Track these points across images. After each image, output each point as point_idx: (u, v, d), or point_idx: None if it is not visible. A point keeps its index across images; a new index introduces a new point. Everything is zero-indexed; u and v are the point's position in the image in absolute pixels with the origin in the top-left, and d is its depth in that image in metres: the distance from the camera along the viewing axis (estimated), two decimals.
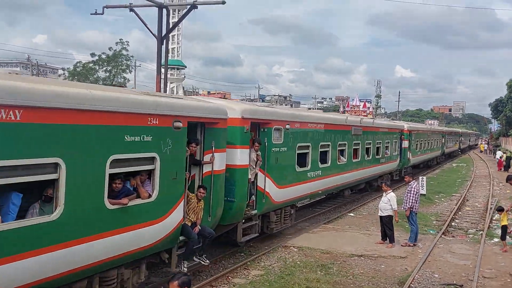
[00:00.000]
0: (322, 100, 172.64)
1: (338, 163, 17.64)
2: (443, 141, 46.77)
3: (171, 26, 19.64)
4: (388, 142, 24.53)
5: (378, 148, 22.80)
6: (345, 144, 18.16)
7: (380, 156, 23.26)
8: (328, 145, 16.50)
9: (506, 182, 15.42)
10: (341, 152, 18.11)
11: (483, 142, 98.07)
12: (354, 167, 19.47)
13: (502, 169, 41.10)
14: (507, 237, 14.00)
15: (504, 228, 13.82)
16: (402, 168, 28.59)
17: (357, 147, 19.85)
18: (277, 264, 11.62)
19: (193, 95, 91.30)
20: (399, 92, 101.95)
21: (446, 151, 50.88)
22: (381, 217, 13.80)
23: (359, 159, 20.08)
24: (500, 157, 43.70)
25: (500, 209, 14.52)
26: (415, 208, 13.79)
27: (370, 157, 21.51)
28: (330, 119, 17.21)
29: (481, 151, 76.50)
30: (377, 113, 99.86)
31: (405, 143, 28.56)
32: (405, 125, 29.91)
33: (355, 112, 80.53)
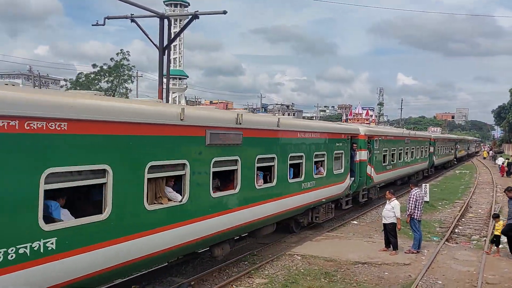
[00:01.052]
0: (325, 109, 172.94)
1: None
2: (431, 150, 38.58)
3: (172, 36, 19.76)
4: (323, 154, 16.49)
5: (298, 166, 14.86)
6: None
7: (303, 178, 14.88)
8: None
9: (504, 192, 14.58)
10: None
11: (486, 149, 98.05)
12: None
13: (505, 174, 41.59)
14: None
15: (497, 237, 13.80)
16: (360, 190, 20.99)
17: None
18: (281, 273, 11.61)
19: (195, 104, 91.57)
20: (402, 100, 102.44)
21: (437, 162, 41.86)
22: (384, 224, 13.81)
23: None
24: (503, 163, 44.58)
25: (496, 216, 14.48)
26: (417, 215, 13.75)
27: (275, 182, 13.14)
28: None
29: (484, 158, 76.38)
30: (379, 120, 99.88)
31: (362, 155, 20.49)
32: (361, 129, 21.15)
33: (357, 120, 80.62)
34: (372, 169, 21.88)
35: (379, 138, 23.22)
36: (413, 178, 28.05)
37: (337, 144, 17.50)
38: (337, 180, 17.65)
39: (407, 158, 29.67)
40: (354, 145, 19.69)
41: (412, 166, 31.59)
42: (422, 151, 34.36)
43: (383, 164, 24.29)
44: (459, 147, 59.05)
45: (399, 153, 27.63)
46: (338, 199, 18.57)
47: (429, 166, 38.39)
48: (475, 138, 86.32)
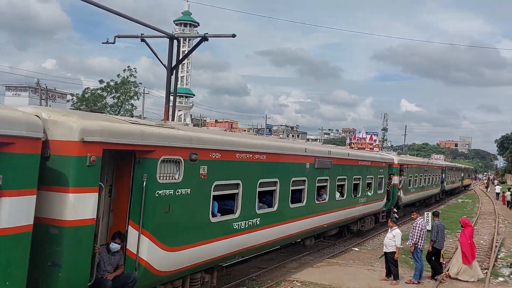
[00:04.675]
0: (329, 132, 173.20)
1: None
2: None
3: (181, 54, 19.94)
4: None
5: None
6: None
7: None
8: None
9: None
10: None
11: (486, 178, 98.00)
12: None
13: (506, 204, 42.22)
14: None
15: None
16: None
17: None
18: None
19: (201, 123, 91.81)
20: (406, 126, 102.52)
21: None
22: (385, 253, 13.71)
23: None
24: (504, 192, 45.51)
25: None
26: (420, 245, 13.68)
27: None
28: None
29: (485, 187, 76.23)
30: (383, 146, 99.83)
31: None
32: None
33: (361, 145, 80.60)
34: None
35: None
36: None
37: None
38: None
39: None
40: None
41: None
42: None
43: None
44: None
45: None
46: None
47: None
48: (461, 165, 69.29)
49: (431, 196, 38.59)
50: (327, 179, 15.86)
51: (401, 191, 26.26)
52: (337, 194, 16.95)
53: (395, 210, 25.63)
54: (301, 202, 14.10)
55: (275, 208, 12.60)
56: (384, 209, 23.65)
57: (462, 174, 60.75)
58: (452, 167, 51.23)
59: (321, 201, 15.63)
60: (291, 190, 13.37)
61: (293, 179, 13.42)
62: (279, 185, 12.65)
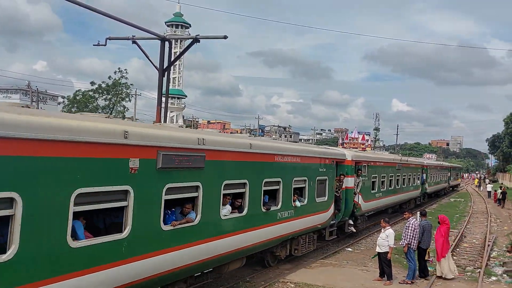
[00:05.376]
0: (321, 132, 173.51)
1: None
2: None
3: (173, 56, 19.89)
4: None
5: None
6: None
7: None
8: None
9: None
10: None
11: (477, 177, 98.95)
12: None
13: (497, 202, 42.97)
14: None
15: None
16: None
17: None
18: None
19: (193, 124, 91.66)
20: (397, 126, 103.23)
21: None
22: (379, 253, 13.72)
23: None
24: (495, 191, 46.26)
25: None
26: (413, 245, 13.71)
27: None
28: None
29: (476, 186, 77.01)
30: (375, 145, 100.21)
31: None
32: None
33: (353, 145, 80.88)
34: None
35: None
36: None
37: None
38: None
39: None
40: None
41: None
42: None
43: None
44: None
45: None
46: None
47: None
48: (447, 163, 64.31)
49: (409, 201, 32.71)
50: (196, 187, 9.66)
51: (360, 196, 20.52)
52: (224, 210, 10.72)
53: (350, 222, 20.22)
54: (120, 233, 7.77)
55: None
56: (333, 222, 17.78)
57: (449, 174, 54.64)
58: (436, 166, 45.74)
59: (184, 226, 9.29)
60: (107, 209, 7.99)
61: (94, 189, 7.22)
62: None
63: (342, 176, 18.31)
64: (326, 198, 16.54)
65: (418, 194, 35.69)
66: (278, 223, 13.24)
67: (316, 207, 15.78)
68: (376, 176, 23.31)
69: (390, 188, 26.11)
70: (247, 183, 11.49)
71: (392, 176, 26.60)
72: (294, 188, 14.08)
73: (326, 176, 16.53)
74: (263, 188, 12.27)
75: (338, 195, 17.91)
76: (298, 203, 14.27)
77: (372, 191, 22.84)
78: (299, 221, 14.52)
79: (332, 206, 17.24)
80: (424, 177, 36.88)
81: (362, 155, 22.68)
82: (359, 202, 20.48)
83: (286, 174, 13.54)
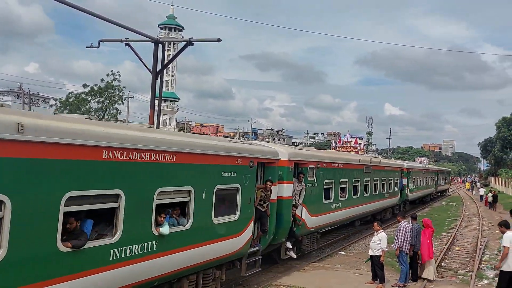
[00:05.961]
0: (314, 135, 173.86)
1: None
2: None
3: (166, 59, 19.87)
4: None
5: None
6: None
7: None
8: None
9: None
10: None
11: (469, 181, 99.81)
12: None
13: (488, 205, 43.87)
14: None
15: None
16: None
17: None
18: None
19: (186, 127, 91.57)
20: (390, 130, 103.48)
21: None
22: (371, 256, 13.75)
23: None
24: (487, 194, 46.90)
25: None
26: (405, 248, 13.75)
27: None
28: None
29: (467, 190, 77.55)
30: (368, 149, 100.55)
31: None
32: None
33: (346, 148, 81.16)
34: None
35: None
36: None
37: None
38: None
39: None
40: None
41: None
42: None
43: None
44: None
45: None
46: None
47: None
48: (433, 167, 55.87)
49: (385, 209, 27.80)
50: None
51: (304, 209, 15.47)
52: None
53: (288, 245, 15.02)
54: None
55: None
56: (253, 249, 12.48)
57: (436, 178, 49.46)
58: (420, 169, 41.02)
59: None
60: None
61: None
62: None
63: (269, 183, 12.70)
64: (236, 216, 11.14)
65: (397, 202, 29.39)
66: (109, 268, 7.41)
67: (215, 230, 10.31)
68: (331, 182, 17.97)
69: (354, 197, 20.90)
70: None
71: (359, 181, 21.43)
72: (159, 204, 8.48)
73: (238, 184, 11.10)
74: (63, 209, 6.57)
75: (263, 209, 12.61)
76: (165, 229, 8.47)
77: (326, 202, 17.66)
78: (170, 258, 8.77)
79: (251, 226, 11.83)
80: (404, 182, 31.53)
81: (306, 153, 16.38)
82: (303, 217, 15.46)
83: (136, 182, 7.92)
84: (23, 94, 62.59)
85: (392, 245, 14.30)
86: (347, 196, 19.80)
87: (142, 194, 8.09)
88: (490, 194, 44.24)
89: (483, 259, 18.60)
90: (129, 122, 42.61)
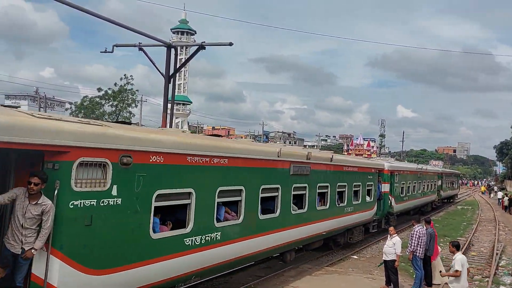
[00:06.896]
0: (326, 138, 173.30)
1: None
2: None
3: (178, 62, 19.92)
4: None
5: None
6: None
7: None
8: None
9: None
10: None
11: (485, 185, 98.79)
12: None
13: (504, 209, 43.90)
14: None
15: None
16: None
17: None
18: None
19: (198, 130, 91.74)
20: (403, 132, 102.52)
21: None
22: (385, 261, 13.59)
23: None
24: (503, 198, 46.84)
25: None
26: (419, 253, 13.56)
27: None
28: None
29: (482, 193, 76.88)
30: (381, 152, 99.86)
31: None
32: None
33: (358, 151, 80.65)
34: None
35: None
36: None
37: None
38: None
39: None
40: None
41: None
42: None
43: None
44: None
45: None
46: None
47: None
48: (433, 168, 45.39)
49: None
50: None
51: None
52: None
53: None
54: None
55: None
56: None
57: (440, 182, 40.85)
58: (415, 172, 31.00)
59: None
60: None
61: None
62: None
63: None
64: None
65: (369, 218, 20.95)
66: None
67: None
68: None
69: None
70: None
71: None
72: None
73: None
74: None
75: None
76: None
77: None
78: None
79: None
80: (383, 189, 23.23)
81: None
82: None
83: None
84: (39, 98, 63.34)
85: (406, 250, 14.12)
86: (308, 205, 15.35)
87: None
88: (506, 198, 43.63)
89: (500, 264, 18.30)
90: (142, 125, 42.84)
